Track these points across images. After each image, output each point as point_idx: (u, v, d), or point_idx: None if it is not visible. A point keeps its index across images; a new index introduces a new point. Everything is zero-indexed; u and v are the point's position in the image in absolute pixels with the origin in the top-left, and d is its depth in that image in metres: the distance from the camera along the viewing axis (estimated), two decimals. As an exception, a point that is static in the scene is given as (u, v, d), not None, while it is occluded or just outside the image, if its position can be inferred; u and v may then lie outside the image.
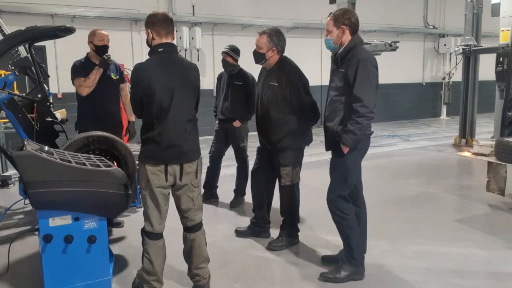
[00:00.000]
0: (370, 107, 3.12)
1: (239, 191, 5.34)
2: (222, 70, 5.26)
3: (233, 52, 5.08)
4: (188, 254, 3.14)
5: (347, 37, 3.23)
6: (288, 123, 3.79)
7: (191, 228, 3.10)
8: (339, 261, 3.54)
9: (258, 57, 3.83)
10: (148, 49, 3.02)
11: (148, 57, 2.99)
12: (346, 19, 3.20)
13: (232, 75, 5.15)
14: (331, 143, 3.35)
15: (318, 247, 4.02)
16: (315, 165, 6.74)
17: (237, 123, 5.12)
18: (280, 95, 3.76)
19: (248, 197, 5.41)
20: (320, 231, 4.38)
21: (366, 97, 3.11)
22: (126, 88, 4.69)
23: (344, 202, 3.34)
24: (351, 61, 3.16)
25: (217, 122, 5.32)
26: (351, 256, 3.39)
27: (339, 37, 3.24)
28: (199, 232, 3.12)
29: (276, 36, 3.76)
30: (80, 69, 4.34)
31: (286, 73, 3.77)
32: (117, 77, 4.57)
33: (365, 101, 3.10)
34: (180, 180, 2.97)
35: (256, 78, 4.69)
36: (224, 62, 5.11)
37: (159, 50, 2.94)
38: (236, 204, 5.28)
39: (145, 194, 2.97)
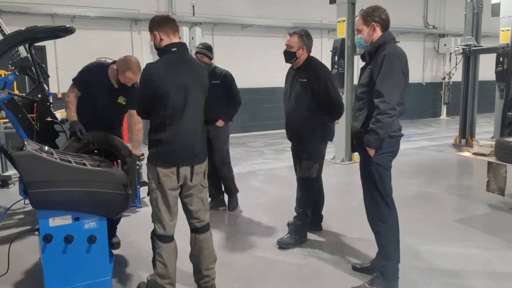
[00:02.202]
0: (392, 103, 2.90)
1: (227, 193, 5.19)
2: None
3: (208, 50, 4.83)
4: (198, 256, 3.10)
5: (377, 34, 3.12)
6: (314, 118, 3.86)
7: (200, 229, 3.07)
8: (370, 271, 3.40)
9: (289, 56, 3.92)
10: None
11: (155, 57, 2.91)
12: (376, 15, 3.11)
13: (208, 75, 4.94)
14: (357, 143, 3.23)
15: (319, 247, 4.01)
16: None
17: (220, 123, 4.91)
18: (310, 90, 3.84)
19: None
20: (321, 230, 4.37)
21: (388, 93, 2.91)
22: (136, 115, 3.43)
23: (385, 208, 3.16)
24: (378, 58, 3.03)
25: None
26: (385, 269, 3.15)
27: (369, 35, 3.14)
28: (208, 232, 3.11)
29: (305, 36, 3.89)
30: (86, 81, 3.66)
31: (314, 68, 3.89)
32: (125, 102, 3.74)
33: (386, 97, 2.90)
34: (190, 181, 2.94)
35: (234, 75, 4.70)
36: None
37: (172, 49, 2.86)
38: (217, 206, 5.13)
39: (156, 197, 2.92)
